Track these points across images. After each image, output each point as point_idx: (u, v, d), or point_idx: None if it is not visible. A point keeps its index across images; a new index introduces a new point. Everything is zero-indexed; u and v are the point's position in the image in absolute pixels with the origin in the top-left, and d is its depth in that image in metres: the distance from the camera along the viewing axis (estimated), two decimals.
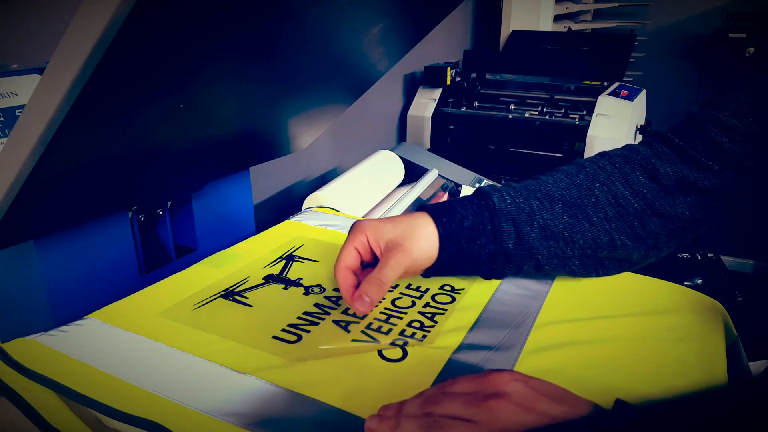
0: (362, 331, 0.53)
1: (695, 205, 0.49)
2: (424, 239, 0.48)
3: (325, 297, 0.59)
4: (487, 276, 0.54)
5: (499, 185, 0.53)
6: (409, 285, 0.62)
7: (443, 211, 0.50)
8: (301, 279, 0.63)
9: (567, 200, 0.49)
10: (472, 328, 0.54)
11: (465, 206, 0.51)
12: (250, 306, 0.58)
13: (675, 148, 0.51)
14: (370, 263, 0.54)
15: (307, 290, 0.61)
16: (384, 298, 0.58)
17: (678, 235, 0.50)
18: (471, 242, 0.49)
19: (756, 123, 0.48)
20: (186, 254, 0.74)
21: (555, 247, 0.49)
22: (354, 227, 0.51)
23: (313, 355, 0.49)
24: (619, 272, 0.55)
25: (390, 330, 0.53)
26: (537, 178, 0.53)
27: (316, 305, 0.58)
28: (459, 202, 0.52)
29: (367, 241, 0.50)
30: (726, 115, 0.48)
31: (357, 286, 0.50)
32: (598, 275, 0.55)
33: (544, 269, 0.52)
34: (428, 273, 0.53)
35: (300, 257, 0.69)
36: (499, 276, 0.54)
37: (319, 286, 0.62)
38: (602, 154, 0.53)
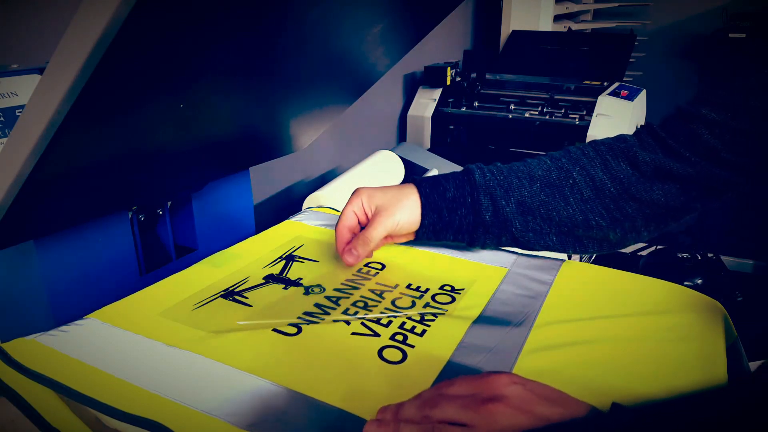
0: (362, 324, 0.53)
1: (672, 193, 0.52)
2: (408, 206, 0.53)
3: (326, 297, 0.59)
4: (470, 244, 0.58)
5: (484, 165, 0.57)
6: (409, 285, 0.62)
7: (428, 183, 0.55)
8: (301, 279, 0.63)
9: (546, 180, 0.52)
10: (471, 329, 0.54)
11: (449, 180, 0.55)
12: (250, 306, 0.58)
13: (658, 138, 0.53)
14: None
15: (307, 290, 0.61)
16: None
17: (656, 221, 0.53)
18: (452, 213, 0.53)
19: (734, 118, 0.50)
20: (186, 254, 0.74)
21: (532, 222, 0.53)
22: (354, 193, 0.57)
23: (315, 356, 0.50)
24: (599, 252, 0.57)
25: (389, 323, 0.53)
26: (525, 160, 0.57)
27: (316, 305, 0.58)
28: (444, 176, 0.56)
29: (362, 205, 0.57)
30: (707, 110, 0.51)
31: None
32: (576, 252, 0.57)
33: (521, 242, 0.55)
34: (417, 236, 0.58)
35: (300, 257, 0.69)
36: (481, 245, 0.57)
37: (319, 286, 0.62)
38: (591, 142, 0.56)
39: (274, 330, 0.52)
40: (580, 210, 0.52)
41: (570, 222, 0.52)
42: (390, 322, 0.54)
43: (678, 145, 0.52)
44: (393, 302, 0.58)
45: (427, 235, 0.56)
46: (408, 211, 0.54)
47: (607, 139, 0.56)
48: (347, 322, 0.54)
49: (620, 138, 0.55)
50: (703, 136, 0.50)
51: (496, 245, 0.56)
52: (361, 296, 0.59)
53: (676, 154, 0.52)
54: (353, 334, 0.52)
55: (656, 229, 0.54)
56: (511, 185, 0.53)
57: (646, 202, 0.52)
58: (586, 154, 0.54)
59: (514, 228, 0.53)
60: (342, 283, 0.62)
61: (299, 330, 0.52)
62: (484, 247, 0.59)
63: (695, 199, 0.52)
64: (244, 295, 0.60)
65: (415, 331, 0.53)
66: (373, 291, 0.61)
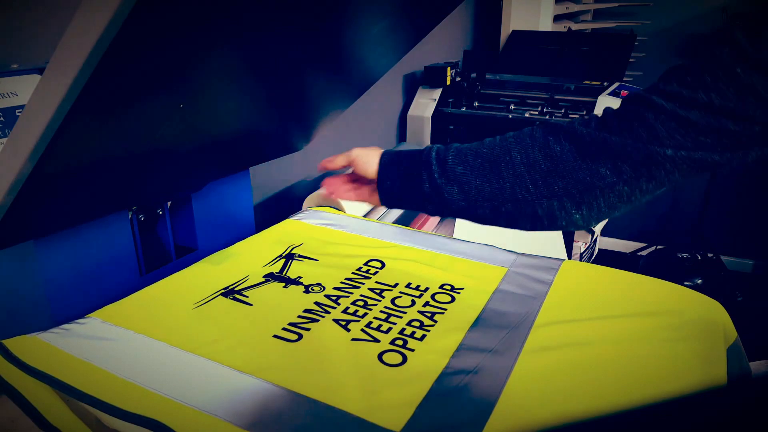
0: (362, 330, 0.53)
1: (600, 174, 0.54)
2: (371, 170, 0.63)
3: (326, 296, 0.59)
4: (422, 210, 0.62)
5: (448, 145, 0.62)
6: (409, 284, 0.62)
7: (390, 157, 0.63)
8: (301, 278, 0.63)
9: (488, 156, 0.58)
10: (471, 329, 0.54)
11: (407, 155, 0.62)
12: (251, 305, 0.58)
13: (606, 115, 0.55)
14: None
15: (308, 288, 0.61)
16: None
17: (586, 201, 0.55)
18: (405, 183, 0.60)
19: (683, 108, 0.50)
20: (186, 254, 0.74)
21: (466, 192, 0.58)
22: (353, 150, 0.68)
23: (316, 359, 0.50)
24: (531, 228, 0.59)
25: (390, 329, 0.53)
26: (484, 140, 0.62)
27: (317, 303, 0.58)
28: (406, 152, 0.63)
29: (351, 156, 0.67)
30: (658, 97, 0.52)
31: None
32: (505, 226, 0.60)
33: (454, 210, 0.59)
34: (381, 202, 0.65)
35: (300, 255, 0.69)
36: (431, 212, 0.62)
37: (319, 284, 0.62)
38: (546, 123, 0.60)
39: (275, 336, 0.52)
40: (509, 183, 0.56)
41: (500, 195, 0.57)
42: (390, 329, 0.54)
43: (619, 122, 0.53)
44: (393, 301, 0.58)
45: (384, 200, 0.63)
46: (370, 174, 0.64)
47: (564, 121, 0.60)
48: (347, 329, 0.54)
49: (577, 120, 0.58)
50: (648, 120, 0.52)
51: (442, 214, 0.62)
52: (361, 295, 0.59)
53: (615, 130, 0.54)
54: (353, 340, 0.52)
55: (589, 212, 0.55)
56: (452, 160, 0.59)
57: (573, 181, 0.54)
58: (532, 135, 0.58)
59: (448, 197, 0.58)
60: (342, 282, 0.62)
61: (300, 336, 0.52)
62: (432, 214, 0.65)
63: (627, 182, 0.53)
64: (245, 293, 0.60)
65: (415, 336, 0.53)
66: (372, 290, 0.61)
